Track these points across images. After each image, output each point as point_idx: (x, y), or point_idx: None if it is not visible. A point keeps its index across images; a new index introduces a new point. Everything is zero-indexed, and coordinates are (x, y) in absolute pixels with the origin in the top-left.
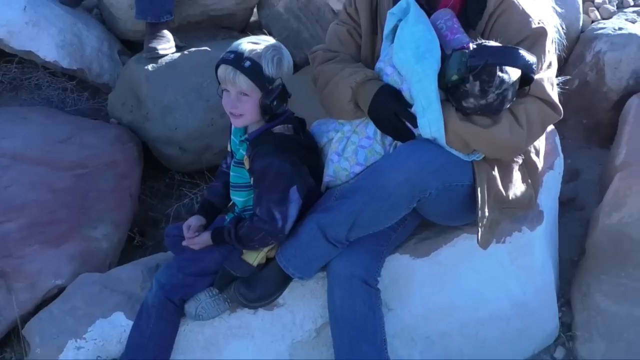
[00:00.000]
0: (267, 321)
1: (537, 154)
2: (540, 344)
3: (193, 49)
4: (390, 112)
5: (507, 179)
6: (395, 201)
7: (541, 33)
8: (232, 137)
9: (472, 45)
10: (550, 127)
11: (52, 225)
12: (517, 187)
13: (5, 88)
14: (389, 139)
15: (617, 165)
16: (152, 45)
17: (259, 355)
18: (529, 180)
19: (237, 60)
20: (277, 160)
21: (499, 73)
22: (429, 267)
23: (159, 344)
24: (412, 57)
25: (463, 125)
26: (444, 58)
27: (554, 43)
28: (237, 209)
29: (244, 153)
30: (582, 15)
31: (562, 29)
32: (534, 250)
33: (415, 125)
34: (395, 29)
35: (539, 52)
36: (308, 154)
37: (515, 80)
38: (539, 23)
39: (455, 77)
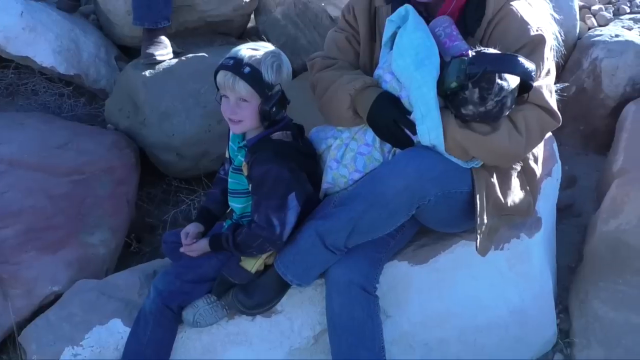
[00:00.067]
0: (265, 328)
1: (536, 161)
2: (538, 351)
3: (190, 55)
4: (389, 119)
5: (505, 186)
6: (394, 208)
7: (540, 40)
8: (230, 143)
9: (471, 53)
10: (548, 134)
11: (49, 231)
12: (516, 194)
13: (2, 93)
14: (387, 146)
15: (615, 172)
16: (150, 51)
17: None
18: (528, 187)
19: (237, 66)
20: (276, 167)
21: (498, 80)
22: (427, 274)
23: (157, 351)
24: (411, 64)
25: (462, 133)
26: (443, 65)
27: (552, 50)
28: (235, 215)
29: (242, 159)
30: (578, 22)
31: (561, 36)
32: (532, 257)
33: (414, 133)
34: (393, 36)
35: (538, 60)
36: (307, 161)
37: (514, 88)
38: (537, 30)
39: (454, 85)
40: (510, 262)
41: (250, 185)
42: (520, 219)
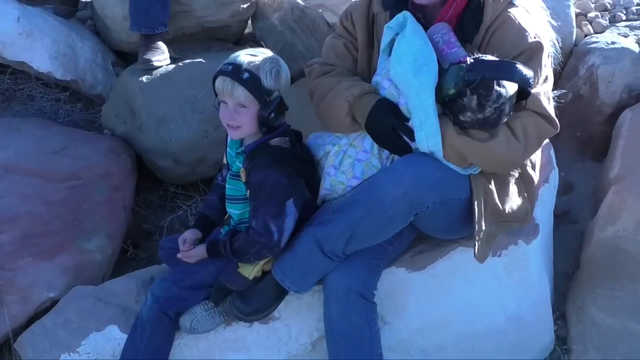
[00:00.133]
0: (262, 335)
1: (533, 167)
2: (535, 358)
3: (187, 61)
4: (388, 125)
5: (503, 193)
6: (392, 215)
7: (537, 47)
8: (227, 149)
9: (469, 60)
10: (546, 141)
11: (45, 237)
12: (514, 200)
13: None
14: (386, 152)
15: (611, 178)
16: (147, 56)
17: None
18: (525, 194)
19: (236, 72)
20: (274, 173)
21: (496, 87)
22: (425, 281)
23: (154, 358)
24: (409, 70)
25: (460, 139)
26: (441, 72)
27: (550, 57)
28: (233, 221)
29: (240, 165)
30: (575, 29)
31: (558, 43)
32: (529, 264)
33: (413, 139)
34: (392, 42)
35: (536, 66)
36: (305, 167)
37: (513, 94)
38: (535, 37)
39: (452, 91)
40: (508, 268)
41: (248, 191)
42: (518, 225)
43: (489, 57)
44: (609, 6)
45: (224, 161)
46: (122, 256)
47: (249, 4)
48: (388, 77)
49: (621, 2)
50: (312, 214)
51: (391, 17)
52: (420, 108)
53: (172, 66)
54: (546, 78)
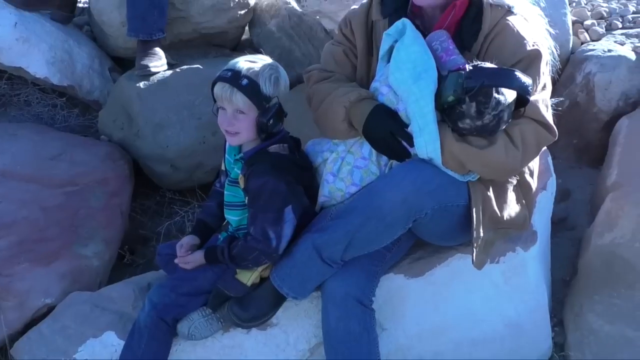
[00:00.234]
0: (260, 341)
1: (532, 174)
2: None
3: (185, 67)
4: (386, 131)
5: (501, 200)
6: (391, 221)
7: (536, 55)
8: (226, 156)
9: (468, 67)
10: (543, 148)
11: (42, 243)
12: (512, 207)
13: None
14: (384, 159)
15: (609, 185)
16: (144, 62)
17: None
18: (524, 201)
19: (235, 78)
20: (273, 180)
21: (495, 94)
22: (423, 287)
23: None
24: (409, 77)
25: (459, 146)
26: (440, 79)
27: (548, 65)
28: (231, 227)
29: (239, 172)
30: (571, 37)
31: (556, 51)
32: (527, 271)
33: (412, 144)
34: (391, 49)
35: (534, 74)
36: (303, 174)
37: (511, 102)
38: (533, 45)
39: (451, 98)
40: (506, 275)
41: (247, 197)
42: (516, 232)
43: (488, 65)
44: (605, 14)
45: (222, 167)
46: (119, 262)
47: (246, 10)
48: (387, 83)
49: (617, 10)
50: (311, 221)
51: (390, 24)
52: (419, 114)
53: (170, 72)
54: (544, 86)
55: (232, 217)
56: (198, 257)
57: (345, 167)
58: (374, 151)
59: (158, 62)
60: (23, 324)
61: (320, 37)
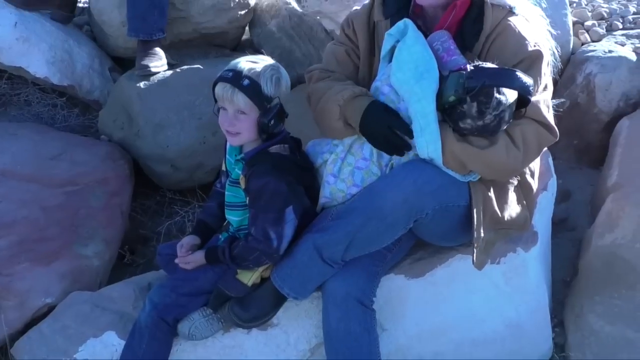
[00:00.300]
0: (260, 341)
1: (532, 175)
2: None
3: (185, 67)
4: (384, 125)
5: (502, 200)
6: (392, 222)
7: (537, 56)
8: (227, 156)
9: (469, 67)
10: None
11: (42, 242)
12: (513, 208)
13: None
14: (385, 159)
15: (609, 186)
16: (144, 62)
17: None
18: (524, 202)
19: (236, 78)
20: (274, 180)
21: (496, 94)
22: (423, 288)
23: None
24: (411, 77)
25: (460, 146)
26: (441, 79)
27: (549, 66)
28: (232, 228)
29: (240, 172)
30: (572, 38)
31: (557, 51)
32: (528, 271)
33: (411, 137)
34: (392, 49)
35: (535, 75)
36: (304, 174)
37: (512, 102)
38: (535, 46)
39: (452, 98)
40: (507, 276)
41: (248, 198)
42: (516, 233)
43: (489, 65)
44: (605, 15)
45: (223, 168)
46: (119, 262)
47: (246, 10)
48: (388, 82)
49: (618, 11)
50: (312, 221)
51: (392, 25)
52: (421, 114)
53: (170, 72)
54: (546, 86)
55: (233, 217)
56: (199, 257)
57: (346, 168)
58: (375, 152)
59: (158, 62)
60: (23, 324)
61: (320, 38)
